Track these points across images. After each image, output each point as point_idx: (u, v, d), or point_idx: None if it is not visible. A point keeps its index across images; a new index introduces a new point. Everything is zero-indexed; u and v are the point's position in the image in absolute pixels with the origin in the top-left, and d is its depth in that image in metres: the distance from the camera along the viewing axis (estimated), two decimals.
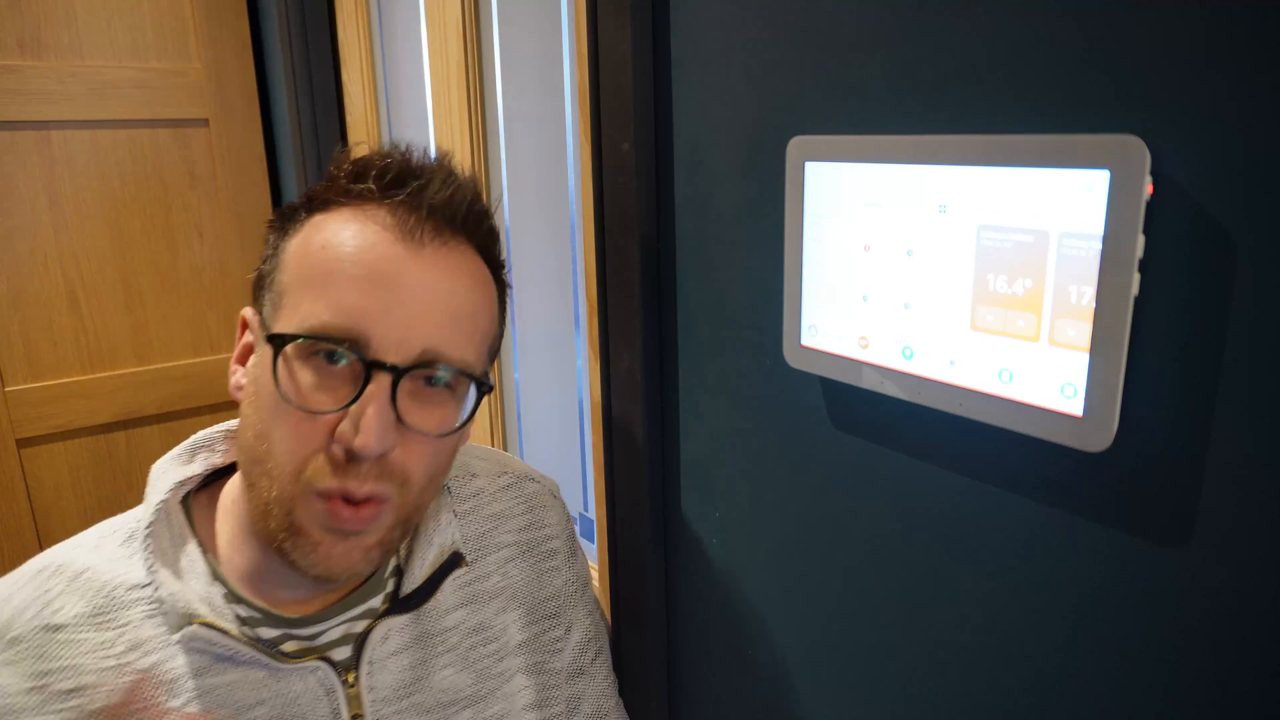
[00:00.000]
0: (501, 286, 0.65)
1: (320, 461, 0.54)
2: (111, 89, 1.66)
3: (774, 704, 0.74)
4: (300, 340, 0.54)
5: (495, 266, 0.64)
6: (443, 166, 0.60)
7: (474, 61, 1.23)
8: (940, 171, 0.50)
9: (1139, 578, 0.47)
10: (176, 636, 0.57)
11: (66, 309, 1.68)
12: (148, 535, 0.59)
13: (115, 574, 0.59)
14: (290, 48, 1.59)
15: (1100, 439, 0.45)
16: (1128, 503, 0.47)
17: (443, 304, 0.56)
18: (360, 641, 0.63)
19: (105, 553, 0.60)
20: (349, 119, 1.64)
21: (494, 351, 0.65)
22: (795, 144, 0.59)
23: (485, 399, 1.37)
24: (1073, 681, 0.51)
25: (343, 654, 0.63)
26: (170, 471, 0.64)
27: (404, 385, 0.55)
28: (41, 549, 1.72)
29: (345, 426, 0.54)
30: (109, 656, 0.57)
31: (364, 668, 0.63)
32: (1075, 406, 0.46)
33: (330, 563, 0.56)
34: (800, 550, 0.68)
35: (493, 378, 0.64)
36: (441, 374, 0.57)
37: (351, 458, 0.54)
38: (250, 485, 0.57)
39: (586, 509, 1.21)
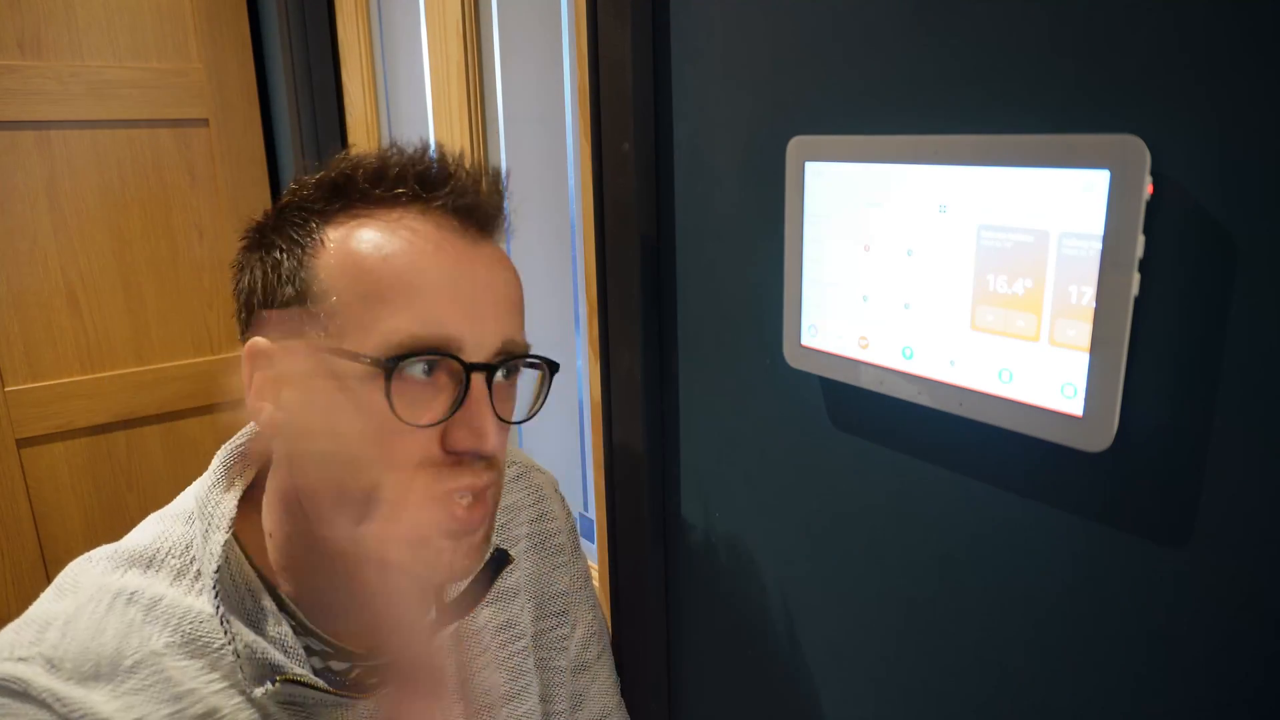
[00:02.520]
0: None
1: (430, 468, 0.53)
2: (111, 89, 1.65)
3: (774, 704, 0.74)
4: (410, 357, 0.52)
5: None
6: (470, 163, 0.60)
7: (474, 61, 1.23)
8: (940, 171, 0.50)
9: (1139, 578, 0.47)
10: (259, 692, 0.54)
11: (66, 309, 1.68)
12: (216, 582, 0.55)
13: (190, 604, 0.56)
14: (290, 48, 1.59)
15: (1100, 439, 0.45)
16: (1128, 503, 0.47)
17: (505, 296, 0.57)
18: None
19: (163, 587, 0.57)
20: (349, 119, 1.64)
21: None
22: (795, 144, 0.59)
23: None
24: (1073, 681, 0.51)
25: None
26: (222, 503, 0.59)
27: (494, 382, 0.56)
28: (42, 549, 1.73)
29: (460, 432, 0.54)
30: (213, 682, 0.55)
31: None
32: (1075, 406, 0.46)
33: (455, 567, 0.55)
34: (800, 550, 0.68)
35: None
36: (522, 363, 0.58)
37: (463, 458, 0.54)
38: (335, 518, 0.54)
39: (586, 509, 1.21)
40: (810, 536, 0.67)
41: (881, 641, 0.63)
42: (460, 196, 0.57)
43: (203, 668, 0.54)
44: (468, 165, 0.60)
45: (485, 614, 0.68)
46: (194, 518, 0.59)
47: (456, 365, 0.54)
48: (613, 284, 0.80)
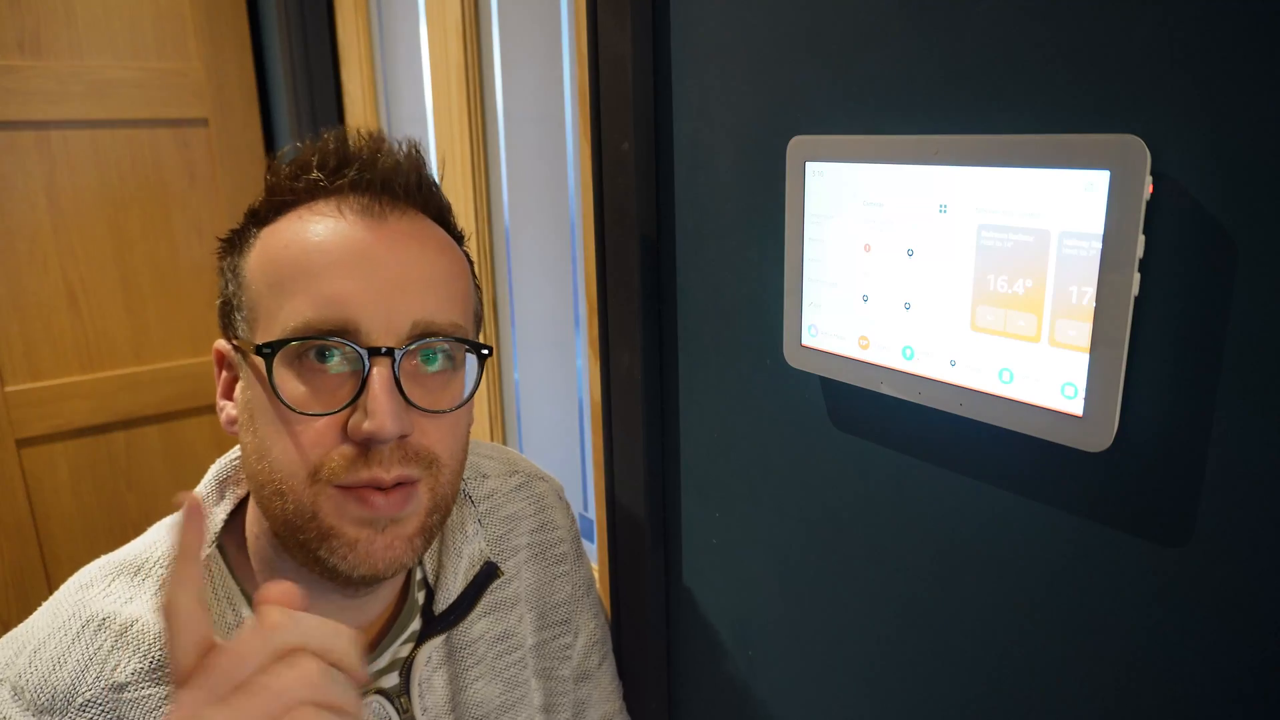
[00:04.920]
0: (467, 258, 0.63)
1: (336, 459, 0.52)
2: (111, 89, 1.65)
3: (774, 704, 0.74)
4: (292, 343, 0.52)
5: (456, 238, 0.62)
6: (378, 141, 0.59)
7: (474, 61, 1.23)
8: (940, 171, 0.50)
9: (1139, 578, 0.47)
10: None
11: (66, 309, 1.68)
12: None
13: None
14: (290, 47, 1.59)
15: (1100, 439, 0.45)
16: (1128, 503, 0.47)
17: (419, 273, 0.55)
18: (407, 666, 0.63)
19: (144, 603, 0.57)
20: (349, 119, 1.64)
21: (479, 319, 0.63)
22: (795, 144, 0.59)
23: (484, 396, 1.36)
24: (1073, 681, 0.51)
25: (391, 681, 0.62)
26: (215, 512, 0.60)
27: (404, 367, 0.54)
28: (41, 549, 1.73)
29: (356, 418, 0.52)
30: None
31: (415, 691, 0.62)
32: (1075, 406, 0.46)
33: (373, 559, 0.53)
34: (800, 550, 0.68)
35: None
36: (438, 345, 0.55)
37: (369, 448, 0.52)
38: (267, 512, 0.55)
39: (586, 509, 1.21)
40: (810, 536, 0.67)
41: (881, 641, 0.63)
42: (364, 173, 0.56)
43: (165, 697, 0.54)
44: (375, 143, 0.58)
45: (481, 625, 0.67)
46: None
47: (352, 350, 0.52)
48: (613, 284, 0.80)
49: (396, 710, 0.61)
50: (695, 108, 0.71)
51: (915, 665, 0.61)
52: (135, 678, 0.54)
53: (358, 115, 1.61)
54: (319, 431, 0.52)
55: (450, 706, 0.64)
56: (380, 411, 0.51)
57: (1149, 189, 0.42)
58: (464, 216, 1.30)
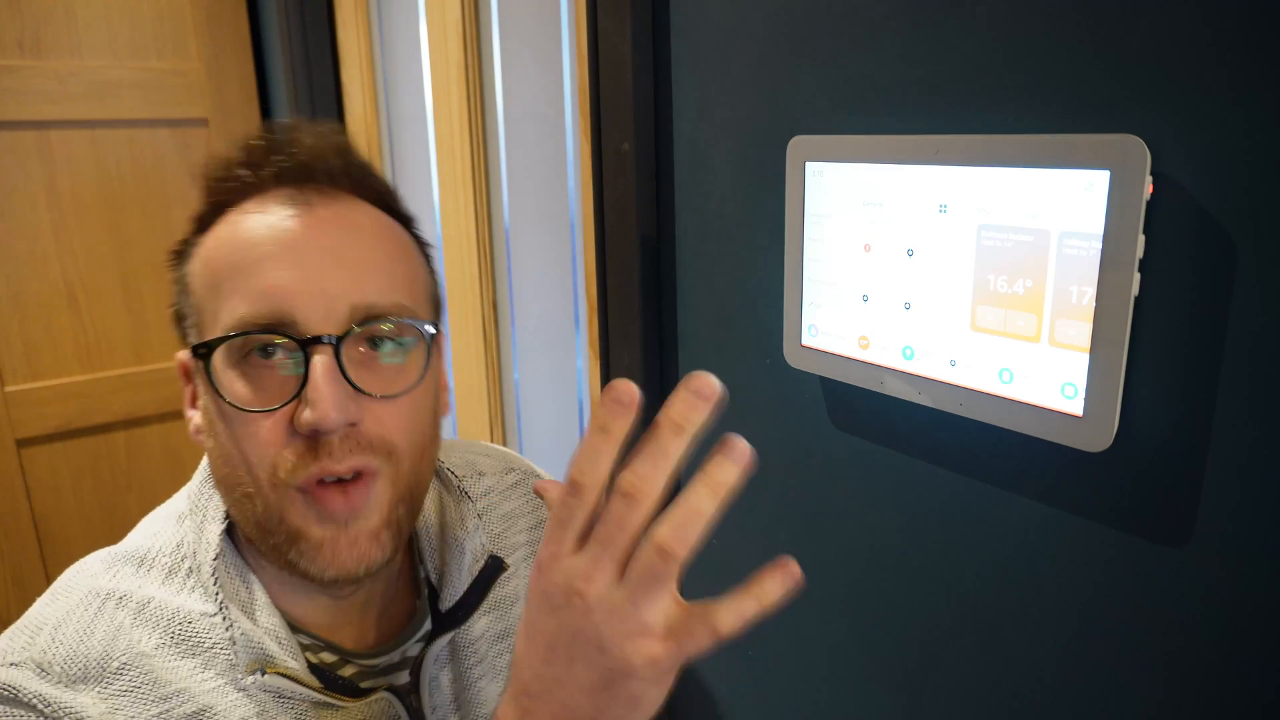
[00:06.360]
0: (419, 240, 0.61)
1: (288, 458, 0.51)
2: (111, 89, 1.65)
3: (774, 704, 0.74)
4: (229, 340, 0.51)
5: (403, 221, 0.61)
6: (303, 128, 0.58)
7: (474, 61, 1.23)
8: (940, 171, 0.50)
9: (1139, 578, 0.47)
10: (249, 680, 0.54)
11: (66, 309, 1.68)
12: (214, 570, 0.56)
13: (182, 603, 0.55)
14: (290, 48, 1.59)
15: (1100, 439, 0.45)
16: (1128, 503, 0.47)
17: (354, 257, 0.53)
18: (416, 665, 0.62)
19: (154, 588, 0.56)
20: (349, 119, 1.64)
21: (435, 301, 0.62)
22: (795, 144, 0.59)
23: (484, 396, 1.36)
24: (1073, 680, 0.51)
25: (402, 678, 0.62)
26: (214, 497, 0.59)
27: (350, 354, 0.53)
28: (41, 549, 1.73)
29: (300, 410, 0.51)
30: (206, 680, 0.54)
31: (424, 689, 0.62)
32: (1075, 406, 0.46)
33: (340, 559, 0.53)
34: (800, 550, 0.68)
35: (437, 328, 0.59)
36: (383, 326, 0.54)
37: (318, 440, 0.51)
38: (241, 517, 0.55)
39: None
40: (810, 536, 0.67)
41: (881, 641, 0.63)
42: (284, 162, 0.55)
43: (195, 668, 0.54)
44: (294, 131, 0.57)
45: (482, 623, 0.67)
46: (185, 516, 0.59)
47: (290, 341, 0.51)
48: (613, 284, 0.80)
49: (407, 708, 0.61)
50: (695, 108, 0.71)
51: (914, 664, 0.61)
52: (159, 651, 0.54)
53: (358, 115, 1.61)
54: (269, 430, 0.51)
55: (455, 705, 0.64)
56: (321, 400, 0.50)
57: (1149, 189, 0.42)
58: (464, 216, 1.30)
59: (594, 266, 0.83)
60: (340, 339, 0.51)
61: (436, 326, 0.58)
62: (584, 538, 0.40)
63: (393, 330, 0.54)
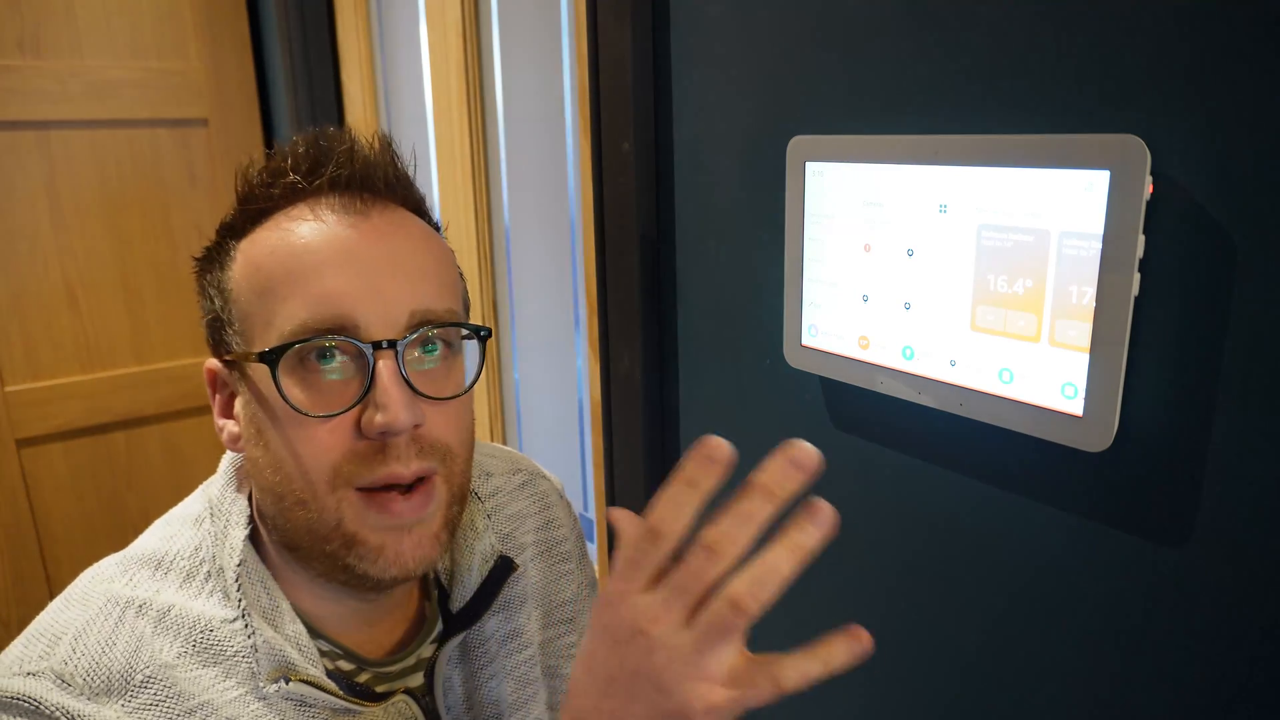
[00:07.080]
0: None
1: (353, 460, 0.52)
2: (111, 89, 1.66)
3: (773, 704, 0.74)
4: (294, 346, 0.51)
5: (435, 228, 0.62)
6: (350, 139, 0.58)
7: (474, 61, 1.23)
8: (940, 171, 0.50)
9: (1139, 577, 0.47)
10: (271, 688, 0.54)
11: (66, 309, 1.68)
12: (238, 577, 0.55)
13: (201, 608, 0.55)
14: (290, 47, 1.59)
15: (1100, 439, 0.45)
16: (1128, 503, 0.47)
17: (409, 264, 0.54)
18: (430, 666, 0.63)
19: (172, 593, 0.56)
20: (349, 119, 1.64)
21: (468, 306, 0.63)
22: (795, 144, 0.59)
23: (484, 396, 1.36)
24: (1073, 679, 0.51)
25: (416, 680, 0.62)
26: (238, 501, 0.59)
27: (406, 359, 0.53)
28: (41, 549, 1.73)
29: (369, 414, 0.51)
30: (229, 690, 0.54)
31: (438, 690, 0.62)
32: (1075, 406, 0.46)
33: (403, 560, 0.53)
34: None
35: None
36: (437, 333, 0.55)
37: (385, 443, 0.52)
38: (288, 523, 0.54)
39: (586, 509, 1.21)
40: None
41: (881, 640, 0.63)
42: (340, 170, 0.55)
43: (216, 677, 0.53)
44: (348, 140, 0.58)
45: (492, 623, 0.67)
46: (203, 519, 0.59)
47: (353, 346, 0.52)
48: (613, 284, 0.80)
49: (422, 710, 0.61)
50: (695, 108, 0.71)
51: (915, 664, 0.61)
52: (181, 660, 0.53)
53: (358, 115, 1.61)
54: (331, 433, 0.52)
55: (467, 705, 0.65)
56: (392, 403, 0.51)
57: (1149, 189, 0.42)
58: (464, 216, 1.30)
59: (594, 266, 0.83)
60: (402, 343, 0.52)
61: (487, 328, 0.59)
62: (655, 580, 0.41)
63: (448, 335, 0.56)
